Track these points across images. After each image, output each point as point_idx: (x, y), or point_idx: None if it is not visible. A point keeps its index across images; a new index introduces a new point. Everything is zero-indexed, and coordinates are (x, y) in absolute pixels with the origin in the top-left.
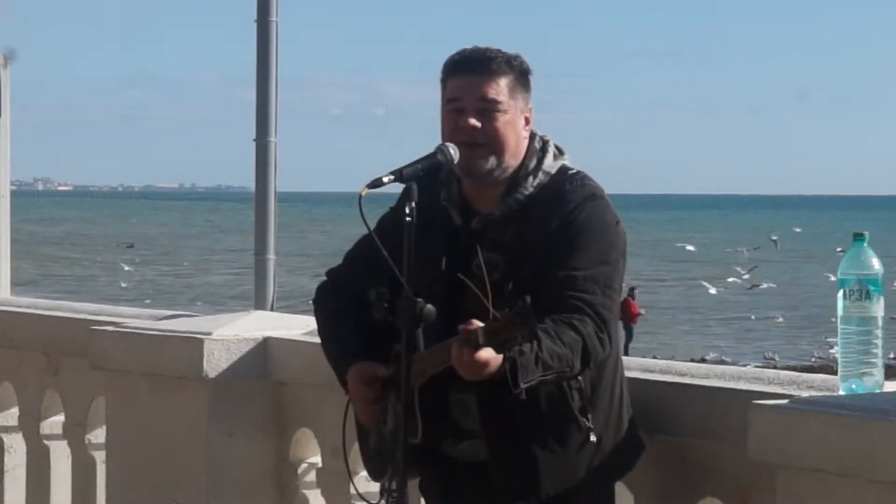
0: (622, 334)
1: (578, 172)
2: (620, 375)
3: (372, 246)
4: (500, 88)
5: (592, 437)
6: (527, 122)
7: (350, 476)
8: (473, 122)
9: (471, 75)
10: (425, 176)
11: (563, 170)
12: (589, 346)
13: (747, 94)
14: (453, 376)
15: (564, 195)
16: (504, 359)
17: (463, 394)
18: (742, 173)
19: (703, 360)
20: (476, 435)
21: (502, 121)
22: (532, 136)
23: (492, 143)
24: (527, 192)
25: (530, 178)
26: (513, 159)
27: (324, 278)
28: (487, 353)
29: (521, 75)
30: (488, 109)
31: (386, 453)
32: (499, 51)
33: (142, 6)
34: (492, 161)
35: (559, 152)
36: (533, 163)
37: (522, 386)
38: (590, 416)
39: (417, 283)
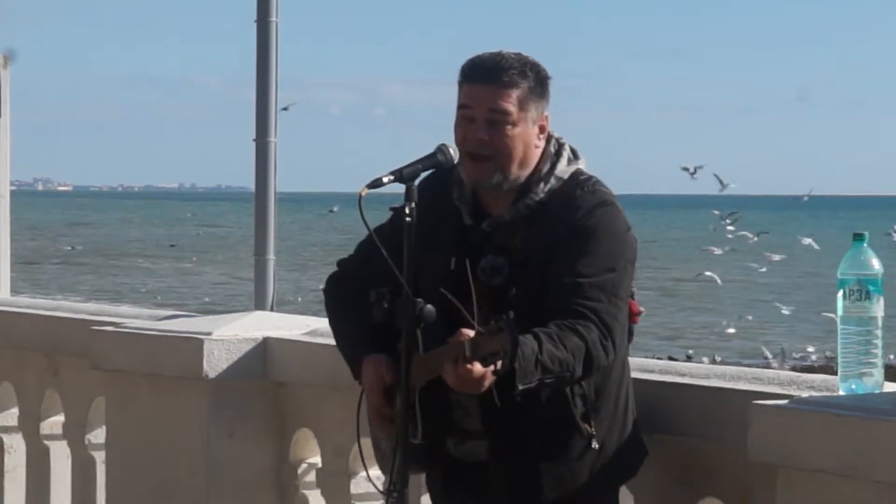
0: None
1: (591, 178)
2: (627, 381)
3: (385, 236)
4: (511, 100)
5: (594, 444)
6: (541, 130)
7: (363, 460)
8: (481, 135)
9: (483, 84)
10: (440, 171)
11: (576, 175)
12: (592, 353)
13: (748, 95)
14: None
15: (574, 201)
16: (495, 367)
17: (463, 395)
18: (741, 173)
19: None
20: (478, 435)
21: (511, 134)
22: (549, 138)
23: (498, 155)
24: (537, 198)
25: (542, 184)
26: (521, 170)
27: (335, 268)
28: (480, 369)
29: (536, 84)
30: (497, 121)
31: (389, 450)
32: (515, 59)
33: (142, 6)
34: (497, 175)
35: (574, 156)
36: (546, 167)
37: (520, 388)
38: (592, 422)
39: (424, 279)
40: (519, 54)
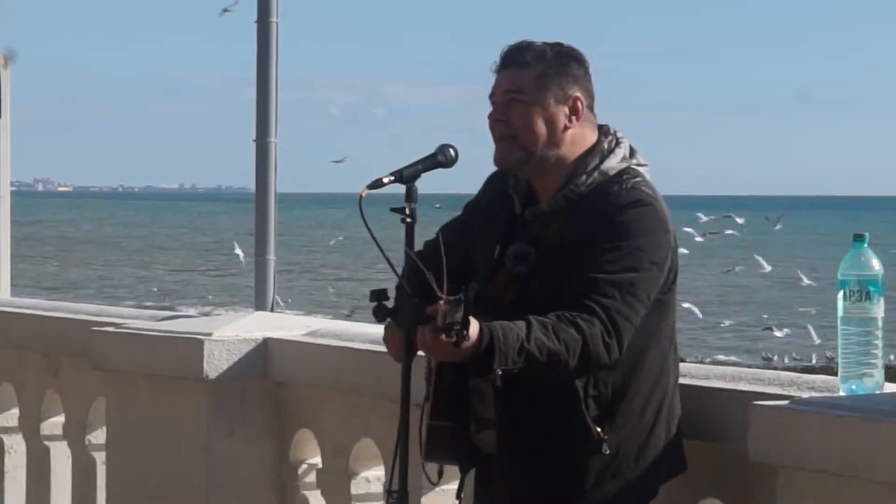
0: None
1: (635, 177)
2: (662, 389)
3: (469, 213)
4: (525, 80)
5: (606, 449)
6: (573, 112)
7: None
8: (498, 116)
9: (502, 70)
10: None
11: (623, 172)
12: (590, 348)
13: (748, 95)
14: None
15: (609, 197)
16: (480, 341)
17: (479, 381)
18: (741, 174)
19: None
20: (493, 425)
21: (525, 112)
22: (605, 132)
23: (518, 133)
24: (578, 191)
25: (584, 177)
26: (551, 149)
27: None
28: (439, 336)
29: (560, 65)
30: (512, 100)
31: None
32: (538, 43)
33: (142, 6)
34: (518, 152)
35: (631, 154)
36: (594, 162)
37: (497, 371)
38: (606, 426)
39: (478, 264)
40: (538, 42)
